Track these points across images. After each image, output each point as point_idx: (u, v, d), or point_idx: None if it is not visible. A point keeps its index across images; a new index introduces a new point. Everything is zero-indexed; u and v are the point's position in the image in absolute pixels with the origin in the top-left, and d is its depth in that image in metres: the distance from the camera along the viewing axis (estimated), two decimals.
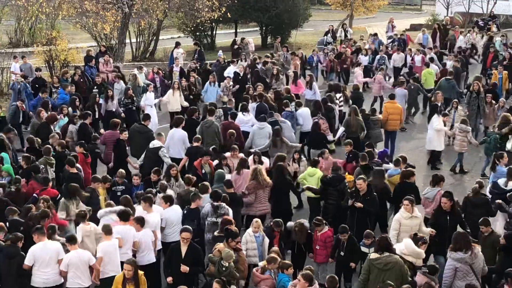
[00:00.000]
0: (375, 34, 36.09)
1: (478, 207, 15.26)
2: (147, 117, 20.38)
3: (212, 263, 12.98)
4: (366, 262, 12.86)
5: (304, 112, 21.91)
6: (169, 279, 13.27)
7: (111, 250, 13.21)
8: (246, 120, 20.97)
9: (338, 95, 23.78)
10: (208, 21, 37.88)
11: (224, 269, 12.73)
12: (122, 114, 23.06)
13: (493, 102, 23.59)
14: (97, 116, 22.63)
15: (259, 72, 27.32)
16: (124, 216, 13.90)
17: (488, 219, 14.29)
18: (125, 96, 23.64)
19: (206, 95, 25.29)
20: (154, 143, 18.49)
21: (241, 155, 17.93)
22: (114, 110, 23.16)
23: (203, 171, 17.21)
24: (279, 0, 42.06)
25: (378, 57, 30.54)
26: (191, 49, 36.09)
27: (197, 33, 41.42)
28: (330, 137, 21.35)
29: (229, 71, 27.87)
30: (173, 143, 19.32)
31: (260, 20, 43.38)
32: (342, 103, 23.74)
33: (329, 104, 22.70)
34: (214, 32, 43.11)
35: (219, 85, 25.96)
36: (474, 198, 15.52)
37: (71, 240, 13.03)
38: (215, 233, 13.87)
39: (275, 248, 13.69)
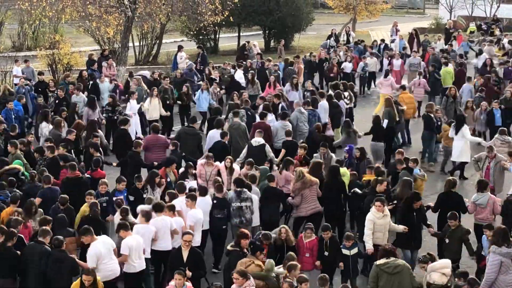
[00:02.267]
0: (382, 40, 36.14)
1: (451, 204, 15.65)
2: (194, 120, 20.76)
3: (261, 278, 12.63)
4: (373, 269, 12.82)
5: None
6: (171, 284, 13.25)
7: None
8: (269, 120, 21.22)
9: (346, 94, 24.30)
10: (211, 25, 37.84)
11: (275, 279, 12.67)
12: (104, 121, 22.68)
13: (474, 107, 23.38)
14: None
15: (233, 77, 27.13)
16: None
17: (456, 213, 14.75)
18: (108, 104, 23.31)
19: (198, 103, 24.86)
20: (258, 140, 18.96)
21: (217, 163, 17.64)
22: (96, 118, 22.43)
23: (168, 179, 17.09)
24: (283, 4, 42.07)
25: (361, 64, 30.16)
26: (194, 53, 36.09)
27: (200, 37, 41.44)
28: (330, 132, 22.02)
29: (239, 76, 27.62)
30: (211, 143, 19.45)
31: (263, 24, 43.39)
32: (349, 101, 24.36)
33: (335, 100, 23.03)
34: (217, 36, 43.12)
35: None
36: (446, 194, 16.00)
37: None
38: (229, 247, 13.72)
39: (293, 254, 13.52)
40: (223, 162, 17.64)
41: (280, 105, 22.63)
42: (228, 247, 13.66)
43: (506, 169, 18.40)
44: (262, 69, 28.54)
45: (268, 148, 19.09)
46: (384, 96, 24.92)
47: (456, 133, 20.57)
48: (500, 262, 13.02)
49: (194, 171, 17.41)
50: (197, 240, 14.66)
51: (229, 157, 17.90)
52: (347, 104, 24.13)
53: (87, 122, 21.74)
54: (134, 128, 22.63)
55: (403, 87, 25.39)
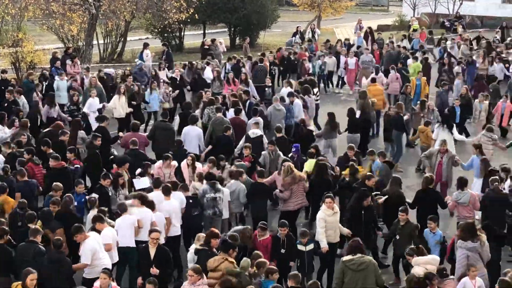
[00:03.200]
0: (347, 39, 36.35)
1: (429, 200, 15.91)
2: (166, 115, 20.98)
3: (234, 275, 12.57)
4: (340, 265, 12.89)
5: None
6: (139, 281, 13.20)
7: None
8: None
9: (315, 90, 24.73)
10: (176, 22, 37.77)
11: (249, 278, 12.64)
12: (69, 118, 22.24)
13: (423, 105, 23.40)
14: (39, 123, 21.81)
15: (200, 75, 26.98)
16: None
17: (408, 207, 15.02)
18: (71, 102, 23.05)
19: (150, 103, 24.50)
20: (255, 132, 19.37)
21: (174, 162, 17.61)
22: (55, 116, 22.12)
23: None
24: (248, 1, 42.09)
25: (319, 62, 30.19)
26: (159, 50, 35.96)
27: (165, 34, 41.26)
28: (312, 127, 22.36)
29: (208, 74, 27.54)
30: (190, 140, 19.54)
31: (229, 21, 43.34)
32: (318, 97, 24.90)
33: (302, 95, 23.36)
34: (182, 33, 42.99)
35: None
36: (424, 191, 16.19)
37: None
38: (198, 246, 13.64)
39: (258, 252, 13.54)
40: (184, 161, 17.63)
41: (248, 101, 22.75)
42: (197, 246, 13.57)
43: (458, 165, 18.68)
44: (237, 66, 28.47)
45: (265, 139, 19.47)
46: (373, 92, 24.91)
47: (450, 130, 20.66)
48: (466, 256, 13.33)
49: (152, 171, 17.35)
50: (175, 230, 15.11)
51: (191, 155, 17.96)
52: (316, 100, 24.49)
53: (46, 120, 21.66)
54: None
55: (373, 80, 25.92)
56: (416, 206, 16.18)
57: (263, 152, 18.53)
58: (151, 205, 14.73)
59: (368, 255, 13.40)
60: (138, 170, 17.16)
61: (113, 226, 14.13)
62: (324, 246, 14.57)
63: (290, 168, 16.63)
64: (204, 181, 16.22)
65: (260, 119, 20.77)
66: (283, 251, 14.21)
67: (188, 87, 26.58)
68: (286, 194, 16.60)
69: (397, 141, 21.76)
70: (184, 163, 17.58)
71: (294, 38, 37.23)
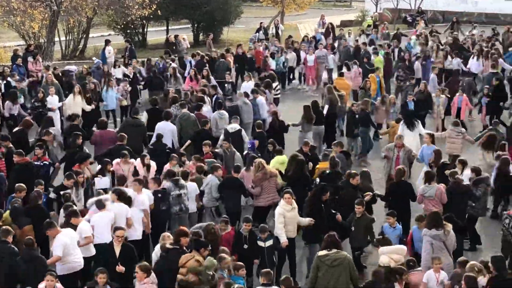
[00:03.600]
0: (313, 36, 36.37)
1: (401, 193, 16.09)
2: (137, 111, 20.83)
3: (195, 273, 12.57)
4: (315, 260, 12.95)
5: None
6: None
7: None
8: (206, 111, 21.60)
9: (274, 84, 24.91)
10: (139, 19, 37.58)
11: (211, 277, 12.57)
12: (28, 117, 21.72)
13: (384, 100, 23.62)
14: None
15: (155, 72, 26.86)
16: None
17: (363, 200, 15.25)
18: (36, 99, 22.83)
19: (106, 101, 24.38)
20: (234, 127, 19.57)
21: (133, 160, 17.49)
22: (16, 113, 22.07)
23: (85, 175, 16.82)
24: None
25: (282, 59, 30.22)
26: (122, 47, 35.73)
27: (128, 31, 41.00)
28: None
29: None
30: (164, 135, 19.41)
31: (192, 17, 43.22)
32: (278, 91, 25.22)
33: (262, 88, 23.60)
34: (145, 30, 42.75)
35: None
36: (397, 184, 16.36)
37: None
38: (168, 245, 13.45)
39: (225, 248, 13.57)
40: (138, 159, 17.51)
41: (215, 96, 22.95)
42: (167, 245, 13.41)
43: (414, 159, 18.90)
44: (201, 62, 28.37)
45: (244, 133, 19.66)
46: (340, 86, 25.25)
47: (411, 129, 20.63)
48: (431, 243, 13.58)
49: (111, 168, 17.22)
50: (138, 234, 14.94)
51: (146, 153, 17.92)
52: (275, 95, 24.77)
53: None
54: (58, 125, 22.19)
55: (341, 74, 26.46)
56: (389, 199, 16.41)
57: (217, 150, 18.55)
58: (128, 201, 14.75)
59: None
60: (98, 167, 17.11)
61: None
62: (284, 241, 14.59)
63: (261, 164, 16.68)
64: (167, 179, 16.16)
65: (225, 113, 20.94)
66: (246, 246, 14.18)
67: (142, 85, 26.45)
68: (257, 190, 16.66)
69: (363, 137, 21.85)
70: (139, 162, 17.46)
71: (257, 34, 37.22)
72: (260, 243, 14.29)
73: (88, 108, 22.95)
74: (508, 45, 34.17)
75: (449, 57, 30.05)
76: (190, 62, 28.93)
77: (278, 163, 17.90)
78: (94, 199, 14.85)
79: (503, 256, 13.06)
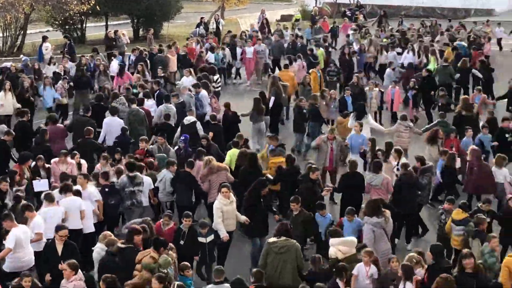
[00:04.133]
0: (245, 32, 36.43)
1: (354, 184, 16.41)
2: (88, 109, 20.51)
3: (149, 270, 12.49)
4: (264, 246, 13.24)
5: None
6: (48, 277, 12.97)
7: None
8: (150, 105, 21.96)
9: (215, 77, 25.25)
10: (78, 14, 37.14)
11: (164, 276, 12.40)
12: None
13: (324, 95, 23.74)
14: None
15: (84, 71, 26.40)
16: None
17: (298, 197, 15.19)
18: None
19: (43, 100, 24.23)
20: (189, 119, 19.78)
21: (69, 159, 17.47)
22: None
23: (25, 175, 16.74)
24: None
25: (220, 54, 30.20)
26: (61, 43, 35.27)
27: (67, 27, 40.41)
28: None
29: (113, 68, 27.38)
30: (111, 131, 19.50)
31: (131, 13, 42.89)
32: (219, 84, 25.62)
33: (204, 80, 23.81)
34: (84, 26, 42.22)
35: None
36: (350, 175, 16.68)
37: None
38: (120, 245, 13.27)
39: (171, 244, 13.56)
40: (71, 158, 17.42)
41: (158, 91, 23.14)
42: (119, 245, 13.25)
43: (347, 150, 19.23)
44: (141, 57, 28.26)
45: (199, 125, 19.79)
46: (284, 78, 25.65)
47: (361, 120, 20.75)
48: (372, 231, 13.97)
49: (47, 165, 17.16)
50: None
51: (77, 152, 17.81)
52: (216, 88, 25.01)
53: None
54: None
55: (285, 66, 26.97)
56: (342, 190, 16.71)
57: (151, 146, 18.50)
58: (78, 194, 14.87)
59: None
60: (33, 163, 16.99)
61: None
62: (224, 235, 14.68)
63: (208, 159, 16.71)
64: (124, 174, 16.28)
65: (171, 106, 21.19)
66: (182, 242, 14.10)
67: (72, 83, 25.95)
68: (205, 186, 16.65)
69: (313, 132, 21.94)
70: (55, 160, 17.30)
71: (198, 29, 37.19)
72: (201, 239, 14.31)
73: (18, 105, 22.40)
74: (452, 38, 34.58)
75: (384, 51, 30.46)
76: (130, 58, 28.79)
77: (234, 155, 17.98)
78: (45, 193, 14.85)
79: (441, 245, 13.38)
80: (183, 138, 18.90)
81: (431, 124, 21.56)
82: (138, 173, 16.14)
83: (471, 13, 49.09)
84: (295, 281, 12.85)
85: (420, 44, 30.87)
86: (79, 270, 12.23)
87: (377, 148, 18.41)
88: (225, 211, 14.85)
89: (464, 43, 31.70)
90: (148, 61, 28.28)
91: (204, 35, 35.49)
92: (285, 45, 32.69)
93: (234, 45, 31.52)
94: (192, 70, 26.28)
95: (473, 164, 17.62)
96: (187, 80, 24.79)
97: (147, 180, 16.45)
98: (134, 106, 20.79)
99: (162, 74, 26.55)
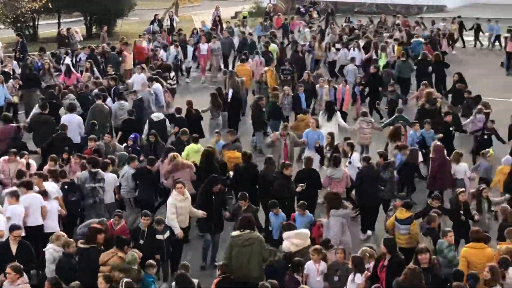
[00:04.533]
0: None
1: (309, 180, 16.47)
2: (45, 106, 20.26)
3: (122, 271, 12.40)
4: (229, 240, 13.34)
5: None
6: (1, 278, 12.70)
7: None
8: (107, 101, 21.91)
9: (171, 74, 25.55)
10: (30, 12, 36.70)
11: (137, 272, 12.50)
12: None
13: (277, 93, 23.69)
14: None
15: (31, 70, 26.10)
16: None
17: (246, 193, 15.17)
18: None
19: None
20: (158, 116, 20.00)
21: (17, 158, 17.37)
22: None
23: None
24: None
25: (173, 51, 29.98)
26: (12, 41, 34.82)
27: (18, 24, 39.96)
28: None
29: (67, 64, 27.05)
30: (70, 128, 19.29)
31: (84, 10, 42.52)
32: (175, 81, 26.09)
33: (156, 76, 24.00)
34: (36, 23, 41.73)
35: None
36: (305, 172, 16.72)
37: None
38: (81, 245, 13.13)
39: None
40: (20, 158, 17.26)
41: (114, 87, 23.21)
42: (80, 245, 13.11)
43: (300, 145, 19.46)
44: (92, 55, 28.03)
45: (168, 122, 20.07)
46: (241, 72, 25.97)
47: (330, 119, 20.86)
48: (341, 223, 14.30)
49: None
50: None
51: (26, 152, 17.67)
52: (172, 85, 25.27)
53: None
54: None
55: (242, 61, 27.11)
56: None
57: (98, 143, 18.40)
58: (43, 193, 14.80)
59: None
60: None
61: None
62: (179, 231, 14.71)
63: (173, 156, 16.72)
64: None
65: (125, 103, 21.36)
66: (141, 242, 13.99)
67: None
68: (168, 183, 16.65)
69: (274, 130, 21.83)
70: (5, 158, 17.13)
71: (152, 26, 36.97)
72: (159, 236, 14.27)
73: None
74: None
75: (332, 48, 30.63)
76: (79, 56, 28.78)
77: (192, 151, 18.01)
78: (7, 190, 14.84)
79: (394, 238, 13.56)
80: (133, 136, 18.86)
81: (390, 119, 21.70)
82: (99, 170, 16.06)
83: (424, 9, 49.61)
84: (261, 274, 13.01)
85: (367, 40, 31.12)
86: (24, 274, 12.06)
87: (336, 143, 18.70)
88: (179, 207, 14.86)
89: (422, 39, 32.01)
90: (103, 59, 28.17)
91: (158, 32, 35.30)
92: (235, 42, 32.62)
93: (185, 44, 31.33)
94: (144, 66, 26.18)
95: (435, 160, 17.77)
96: (139, 77, 24.71)
97: (111, 176, 16.41)
98: (99, 102, 20.79)
99: (113, 73, 26.30)
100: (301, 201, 15.20)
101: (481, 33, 37.10)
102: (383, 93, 25.10)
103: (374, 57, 29.19)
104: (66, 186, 15.77)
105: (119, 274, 12.30)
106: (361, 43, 30.51)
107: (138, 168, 16.74)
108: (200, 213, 15.14)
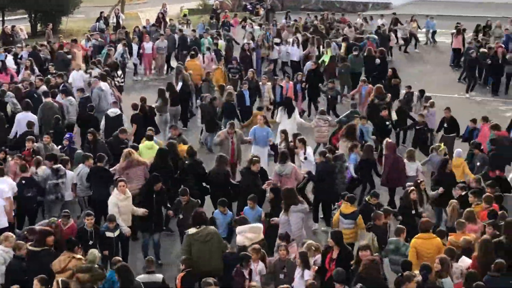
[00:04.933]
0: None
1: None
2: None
3: (86, 271, 12.24)
4: (185, 238, 13.36)
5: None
6: None
7: None
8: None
9: (119, 72, 25.74)
10: None
11: (101, 269, 12.44)
12: None
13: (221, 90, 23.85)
14: None
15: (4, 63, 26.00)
16: None
17: (187, 189, 15.40)
18: None
19: None
20: (114, 111, 20.11)
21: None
22: None
23: None
24: None
25: (120, 50, 29.50)
26: None
27: None
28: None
29: (9, 62, 26.80)
30: (22, 128, 19.24)
31: (29, 7, 41.94)
32: (123, 79, 26.32)
33: (102, 73, 24.07)
34: None
35: None
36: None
37: None
38: (31, 247, 12.86)
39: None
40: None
41: (62, 84, 23.09)
42: (31, 248, 12.83)
43: (247, 142, 19.64)
44: (34, 53, 27.77)
45: (124, 118, 20.26)
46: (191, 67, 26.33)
47: (289, 116, 21.04)
48: (302, 218, 14.57)
49: None
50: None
51: (4, 148, 17.66)
52: (120, 83, 25.48)
53: None
54: None
55: (192, 56, 27.10)
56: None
57: (37, 144, 18.18)
58: None
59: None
60: None
61: None
62: (127, 230, 14.69)
63: (128, 152, 16.62)
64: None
65: (73, 99, 21.47)
66: (91, 242, 13.89)
67: None
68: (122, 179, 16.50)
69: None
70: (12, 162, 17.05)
71: (98, 23, 36.60)
72: (109, 234, 14.21)
73: None
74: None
75: (275, 47, 30.79)
76: (20, 54, 28.32)
77: (146, 148, 17.98)
78: None
79: (341, 231, 13.66)
80: (68, 136, 18.74)
81: (344, 115, 21.82)
82: (61, 165, 16.13)
83: (369, 6, 50.13)
84: (222, 266, 13.21)
85: (304, 37, 31.36)
86: None
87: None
88: (120, 206, 14.78)
89: (375, 36, 32.48)
90: (50, 57, 28.03)
91: (104, 30, 35.01)
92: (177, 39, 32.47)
93: (129, 42, 31.14)
94: (81, 64, 26.15)
95: (388, 158, 17.96)
96: (78, 74, 24.77)
97: (70, 173, 16.47)
98: (49, 99, 20.69)
99: (53, 71, 25.97)
100: (252, 194, 15.26)
101: (418, 29, 37.64)
102: (322, 90, 25.27)
103: (317, 53, 29.50)
104: (23, 181, 15.66)
105: (84, 275, 12.20)
106: (300, 38, 30.82)
107: (92, 167, 16.57)
108: (141, 211, 15.05)
